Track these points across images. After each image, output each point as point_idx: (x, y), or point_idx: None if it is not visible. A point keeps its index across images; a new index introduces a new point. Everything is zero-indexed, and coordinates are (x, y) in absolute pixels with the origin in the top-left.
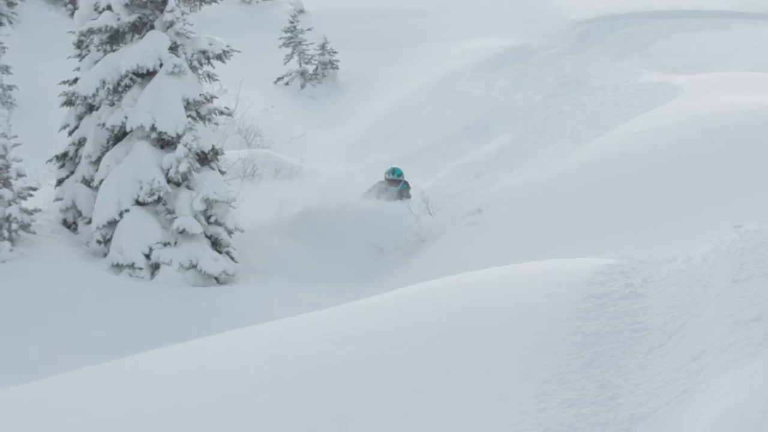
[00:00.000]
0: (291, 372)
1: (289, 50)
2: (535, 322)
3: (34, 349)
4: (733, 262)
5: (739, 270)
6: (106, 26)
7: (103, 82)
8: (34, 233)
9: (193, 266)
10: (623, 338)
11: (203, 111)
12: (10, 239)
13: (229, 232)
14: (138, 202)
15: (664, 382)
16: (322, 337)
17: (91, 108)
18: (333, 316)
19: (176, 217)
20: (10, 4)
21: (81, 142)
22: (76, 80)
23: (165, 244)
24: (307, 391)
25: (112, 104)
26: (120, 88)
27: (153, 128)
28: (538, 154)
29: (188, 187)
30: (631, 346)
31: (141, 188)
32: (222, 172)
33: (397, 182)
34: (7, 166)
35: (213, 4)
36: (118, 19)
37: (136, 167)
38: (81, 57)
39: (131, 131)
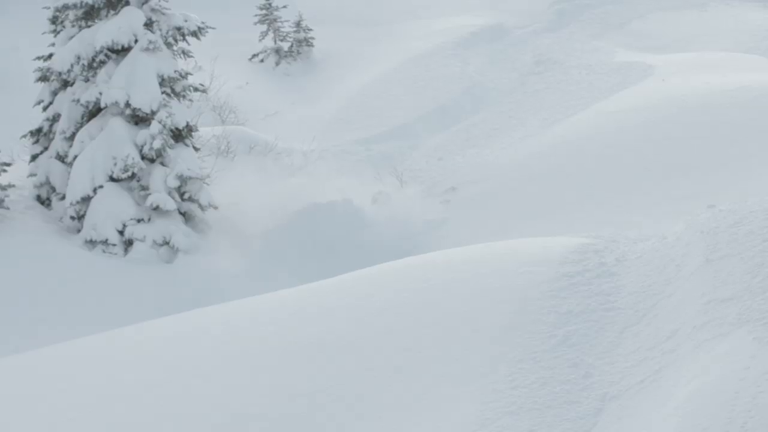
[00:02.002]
0: (262, 349)
1: (264, 27)
2: (508, 300)
3: (6, 321)
4: (707, 241)
5: (712, 250)
6: (81, 2)
7: (78, 57)
8: (8, 209)
9: (166, 243)
10: (596, 317)
11: (178, 87)
12: None
13: (203, 209)
14: (112, 179)
15: (637, 361)
16: (294, 315)
17: (65, 84)
18: (305, 294)
19: (150, 194)
20: None
21: (55, 118)
22: (50, 56)
23: (139, 221)
24: (277, 367)
25: (86, 80)
26: (95, 64)
27: (127, 104)
28: (513, 133)
29: (162, 164)
30: (604, 326)
31: (115, 164)
32: (196, 149)
33: None
34: None
35: None
36: None
37: (111, 143)
38: (56, 33)
39: (106, 107)
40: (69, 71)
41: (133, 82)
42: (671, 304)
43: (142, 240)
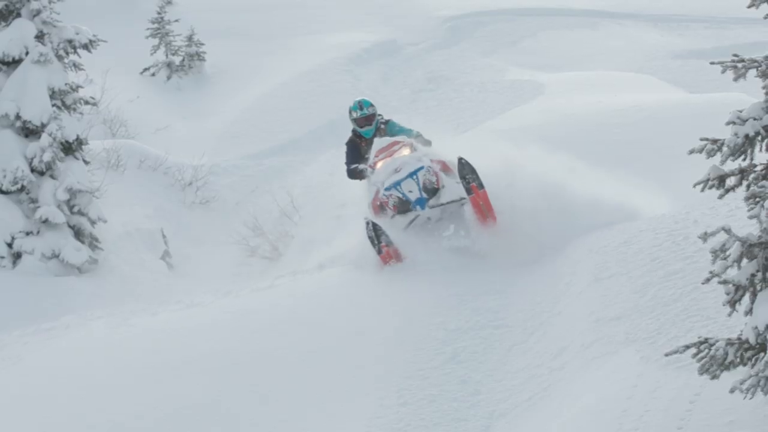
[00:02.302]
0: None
1: (155, 41)
2: (396, 316)
3: None
4: (596, 260)
5: (601, 268)
6: None
7: None
8: None
9: (56, 256)
10: (485, 335)
11: (68, 100)
12: None
13: (93, 222)
14: (1, 191)
15: (525, 378)
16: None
17: None
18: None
19: (39, 206)
20: None
21: None
22: None
23: (27, 233)
24: (161, 382)
25: None
26: None
27: (17, 117)
28: None
29: (52, 177)
30: (492, 343)
31: (4, 177)
32: (86, 162)
33: (369, 120)
34: None
35: None
36: None
37: (0, 155)
38: None
39: None
40: None
41: (23, 94)
42: (560, 321)
43: (31, 253)
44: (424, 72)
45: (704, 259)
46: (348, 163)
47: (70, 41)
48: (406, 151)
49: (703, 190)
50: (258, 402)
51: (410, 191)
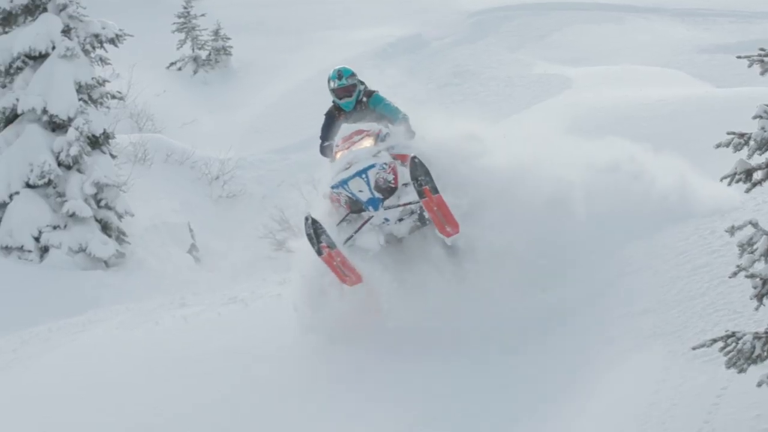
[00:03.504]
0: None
1: (182, 35)
2: None
3: None
4: (622, 254)
5: (627, 263)
6: None
7: None
8: None
9: (83, 250)
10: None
11: (95, 95)
12: None
13: (120, 216)
14: (28, 185)
15: (552, 373)
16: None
17: None
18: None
19: (66, 200)
20: None
21: None
22: None
23: (55, 227)
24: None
25: (3, 86)
26: (12, 71)
27: (44, 111)
28: None
29: (79, 171)
30: (519, 332)
31: (31, 171)
32: (113, 156)
33: (349, 91)
34: None
35: None
36: (11, 1)
37: (27, 150)
38: None
39: (22, 114)
40: None
41: (50, 88)
42: (586, 316)
43: (58, 247)
44: (449, 66)
45: (731, 253)
46: (322, 138)
47: (96, 36)
48: (367, 143)
49: (730, 184)
50: (277, 399)
51: (360, 191)
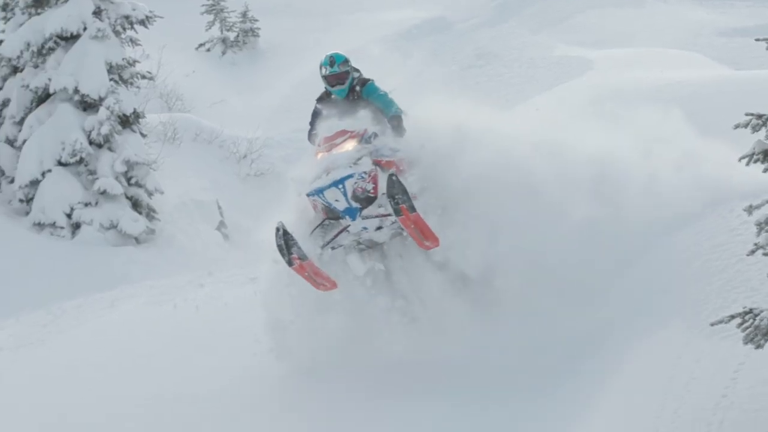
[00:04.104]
0: None
1: (210, 17)
2: None
3: None
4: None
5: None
6: None
7: (28, 44)
8: None
9: (114, 226)
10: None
11: (126, 75)
12: None
13: (150, 194)
14: (60, 163)
15: (573, 349)
16: None
17: (15, 70)
18: None
19: (98, 178)
20: None
21: (5, 103)
22: (0, 42)
23: (86, 204)
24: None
25: (36, 66)
26: (44, 51)
27: (76, 91)
28: None
29: (110, 149)
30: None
31: (63, 149)
32: (143, 135)
33: (341, 78)
34: None
35: None
36: None
37: (59, 128)
38: (6, 19)
39: (54, 93)
40: (19, 57)
41: (81, 68)
42: (609, 292)
43: (90, 223)
44: (473, 48)
45: (749, 232)
46: (311, 125)
47: (127, 17)
48: (350, 146)
49: (748, 164)
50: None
51: (336, 200)
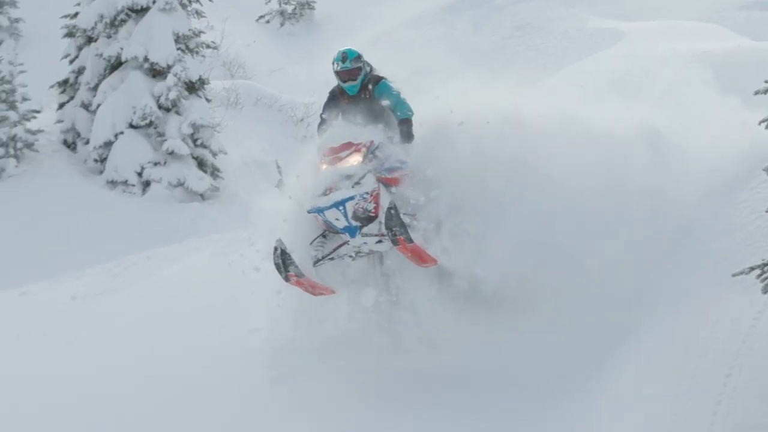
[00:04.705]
0: None
1: None
2: None
3: (36, 249)
4: None
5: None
6: None
7: (101, 16)
8: (37, 151)
9: (181, 184)
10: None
11: (191, 44)
12: (16, 156)
13: (214, 154)
14: (131, 126)
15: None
16: None
17: (90, 40)
18: None
19: (166, 140)
20: None
21: (80, 71)
22: (76, 14)
23: (155, 164)
24: None
25: (109, 36)
26: (116, 22)
27: (146, 59)
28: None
29: (177, 113)
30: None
31: (134, 113)
32: (208, 100)
33: (353, 75)
34: (13, 91)
35: None
36: None
37: (130, 94)
38: None
39: (126, 61)
40: (93, 28)
41: (151, 39)
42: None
43: (159, 181)
44: (511, 21)
45: None
46: (322, 116)
47: None
48: (355, 159)
49: (767, 127)
50: None
51: (336, 219)
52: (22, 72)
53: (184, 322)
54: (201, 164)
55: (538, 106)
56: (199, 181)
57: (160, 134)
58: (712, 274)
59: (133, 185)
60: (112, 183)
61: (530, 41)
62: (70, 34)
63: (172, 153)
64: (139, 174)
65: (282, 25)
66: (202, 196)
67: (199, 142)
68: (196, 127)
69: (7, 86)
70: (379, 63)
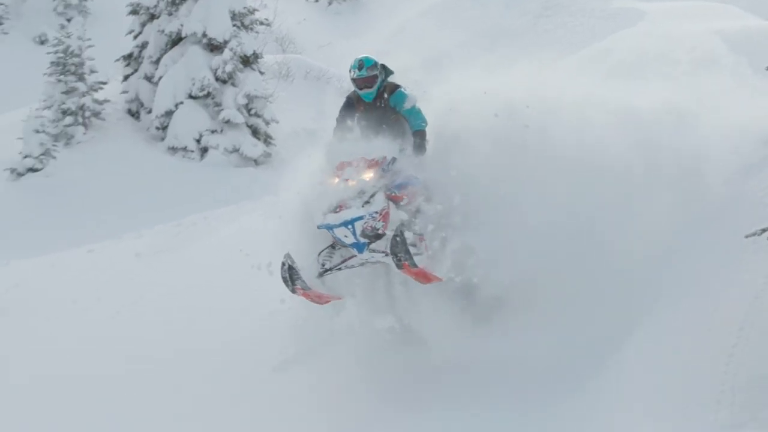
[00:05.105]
0: None
1: None
2: None
3: (102, 210)
4: None
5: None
6: None
7: None
8: (104, 120)
9: (236, 150)
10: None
11: (246, 21)
12: (84, 124)
13: (267, 123)
14: (191, 96)
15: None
16: None
17: (152, 17)
18: None
19: (222, 110)
20: None
21: (143, 45)
22: None
23: (212, 132)
24: None
25: (170, 14)
26: (177, 1)
27: (204, 35)
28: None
29: (233, 85)
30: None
31: (193, 84)
32: (261, 73)
33: (369, 82)
34: (82, 64)
35: None
36: None
37: (190, 67)
38: None
39: (186, 37)
40: (155, 6)
41: (208, 16)
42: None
43: (216, 148)
44: (541, 1)
45: None
46: (337, 120)
47: None
48: (367, 176)
49: None
50: None
51: (345, 236)
52: (90, 47)
53: (237, 277)
54: (255, 132)
55: (564, 89)
56: (253, 147)
57: (217, 104)
58: (723, 236)
59: (192, 151)
60: (173, 149)
61: (559, 20)
62: (134, 12)
63: (228, 122)
64: (198, 141)
65: (330, 3)
66: (256, 162)
67: (253, 111)
68: (250, 98)
69: (76, 59)
70: (418, 39)
